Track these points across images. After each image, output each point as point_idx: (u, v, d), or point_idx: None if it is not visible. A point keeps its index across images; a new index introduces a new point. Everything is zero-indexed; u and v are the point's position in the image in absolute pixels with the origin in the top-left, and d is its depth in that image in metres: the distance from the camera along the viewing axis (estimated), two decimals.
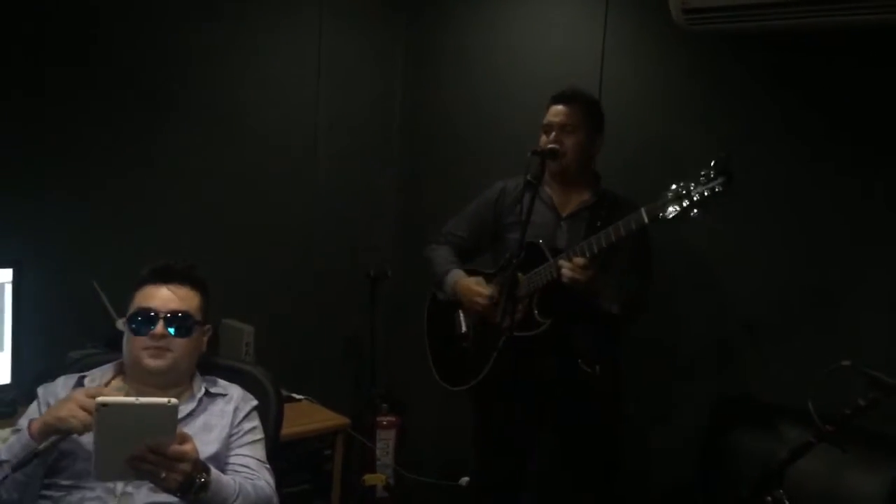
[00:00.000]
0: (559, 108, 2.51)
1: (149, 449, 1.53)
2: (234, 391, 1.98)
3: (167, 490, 1.60)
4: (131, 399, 1.57)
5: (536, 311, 2.43)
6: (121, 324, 1.97)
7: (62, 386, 1.89)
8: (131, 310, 1.89)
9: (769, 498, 1.61)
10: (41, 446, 1.63)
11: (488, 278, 2.61)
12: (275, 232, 3.35)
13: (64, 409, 1.63)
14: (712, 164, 2.08)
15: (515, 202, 2.60)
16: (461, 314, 2.68)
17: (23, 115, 2.64)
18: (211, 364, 2.06)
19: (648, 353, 2.76)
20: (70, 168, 2.75)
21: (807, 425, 1.66)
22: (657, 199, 2.14)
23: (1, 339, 2.40)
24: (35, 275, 2.50)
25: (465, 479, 3.31)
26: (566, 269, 2.28)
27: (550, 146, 2.47)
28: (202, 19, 3.03)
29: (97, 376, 1.92)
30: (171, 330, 1.86)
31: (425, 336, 2.79)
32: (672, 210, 2.11)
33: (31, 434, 1.66)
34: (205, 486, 1.62)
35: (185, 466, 1.58)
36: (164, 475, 1.56)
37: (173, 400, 1.55)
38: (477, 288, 2.56)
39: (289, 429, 2.59)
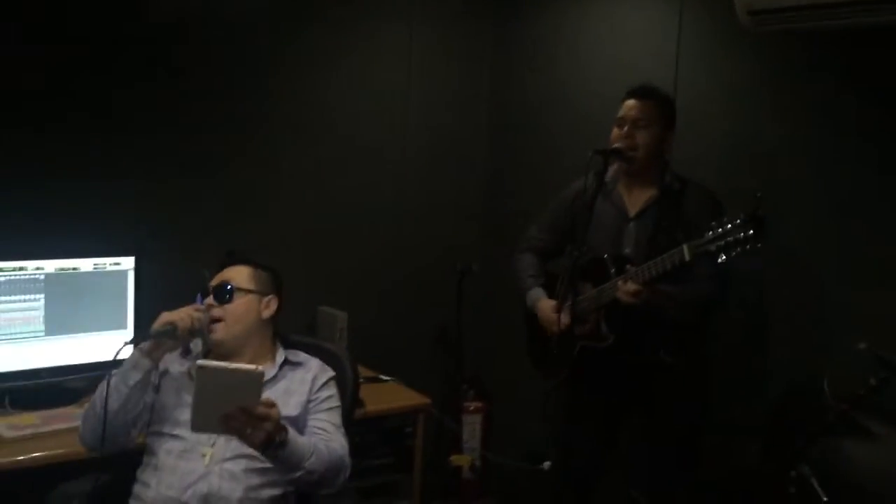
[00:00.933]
0: (633, 102, 2.57)
1: (238, 409, 1.77)
2: (313, 362, 2.22)
3: (251, 445, 1.84)
4: (224, 364, 1.83)
5: (604, 326, 2.53)
6: None
7: (170, 359, 2.16)
8: None
9: (794, 473, 1.70)
10: (153, 329, 1.95)
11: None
12: (369, 227, 3.61)
13: (175, 311, 1.99)
14: (746, 210, 2.13)
15: (590, 202, 2.64)
16: None
17: (144, 124, 2.99)
18: (295, 341, 2.32)
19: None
20: (186, 168, 3.09)
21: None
22: (701, 237, 2.21)
23: (125, 319, 2.75)
24: (155, 262, 2.83)
25: (547, 463, 3.44)
26: (621, 293, 2.38)
27: (614, 146, 2.52)
28: (297, 27, 3.33)
29: (199, 343, 2.19)
30: (217, 298, 2.12)
31: (525, 328, 2.90)
32: (712, 248, 2.18)
33: (139, 349, 1.99)
34: (283, 444, 1.85)
35: (268, 426, 1.80)
36: (249, 432, 1.80)
37: (260, 368, 1.80)
38: (552, 315, 2.62)
39: (373, 405, 2.86)
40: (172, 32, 3.01)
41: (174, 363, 2.16)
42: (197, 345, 2.19)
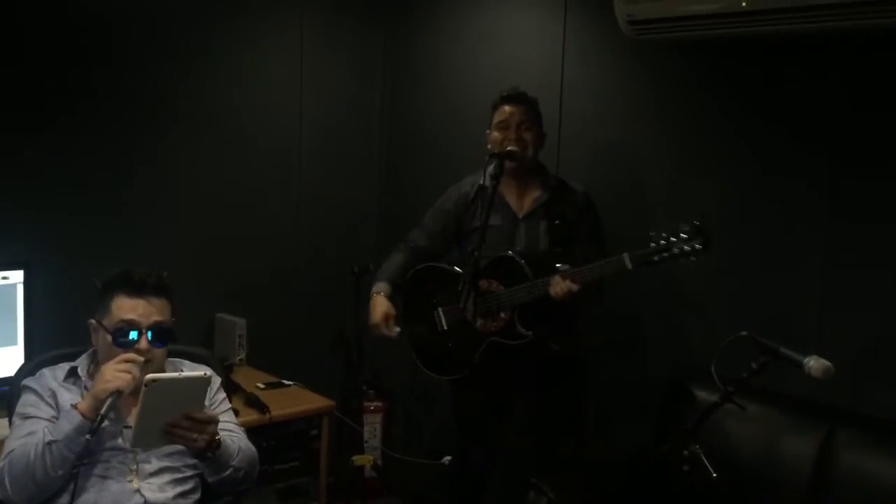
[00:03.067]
0: (513, 108, 2.68)
1: (183, 416, 1.79)
2: (203, 371, 2.21)
3: (194, 450, 1.88)
4: (176, 374, 1.85)
5: (520, 325, 2.61)
6: (94, 323, 2.09)
7: (50, 377, 2.05)
8: (112, 322, 2.01)
9: (686, 452, 1.84)
10: (103, 410, 1.81)
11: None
12: (266, 232, 3.60)
13: (108, 374, 1.86)
14: (691, 225, 2.24)
15: (473, 206, 2.77)
16: (441, 312, 2.82)
17: (28, 123, 2.87)
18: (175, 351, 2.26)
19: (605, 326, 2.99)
20: (73, 174, 2.98)
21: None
22: (642, 248, 2.32)
23: (15, 335, 2.64)
24: (44, 275, 2.73)
25: (447, 458, 3.52)
26: (560, 290, 2.44)
27: (509, 148, 2.61)
28: (191, 30, 3.29)
29: (84, 365, 2.11)
30: (155, 342, 2.01)
31: (403, 328, 2.92)
32: (655, 258, 2.29)
33: (81, 412, 1.86)
34: (219, 443, 1.91)
35: (213, 428, 1.85)
36: (195, 437, 1.82)
37: (208, 371, 1.83)
38: (381, 311, 2.79)
39: (278, 410, 2.87)
40: (61, 30, 2.91)
41: (61, 392, 2.04)
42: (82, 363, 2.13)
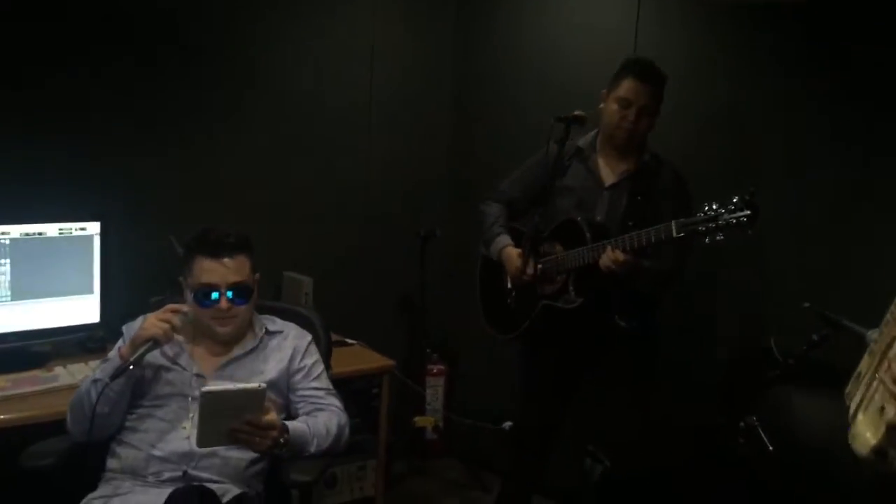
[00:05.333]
0: (645, 87, 2.50)
1: (245, 422, 1.85)
2: (290, 328, 2.27)
3: (258, 451, 1.95)
4: (230, 385, 1.90)
5: (572, 289, 2.56)
6: (182, 280, 2.17)
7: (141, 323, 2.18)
8: (194, 283, 2.08)
9: (742, 423, 1.80)
10: (132, 357, 1.94)
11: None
12: (335, 194, 3.64)
13: (148, 323, 1.97)
14: (741, 196, 2.15)
15: (565, 166, 2.68)
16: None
17: (112, 82, 2.97)
18: (268, 307, 2.37)
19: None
20: (154, 131, 3.08)
21: None
22: (690, 216, 2.23)
23: (91, 284, 2.76)
24: (121, 228, 2.83)
25: (508, 424, 3.55)
26: (606, 260, 2.39)
27: (576, 113, 2.49)
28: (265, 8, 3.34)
29: None
30: (235, 300, 2.09)
31: (477, 282, 2.97)
32: (701, 228, 2.19)
33: (120, 356, 1.98)
34: (286, 442, 1.96)
35: (274, 433, 1.91)
36: (257, 440, 1.89)
37: (262, 385, 1.88)
38: (518, 263, 2.64)
39: (340, 368, 2.90)
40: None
41: None
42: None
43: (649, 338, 2.69)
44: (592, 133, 2.68)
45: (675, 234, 2.26)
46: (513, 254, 2.73)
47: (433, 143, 3.98)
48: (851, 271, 2.48)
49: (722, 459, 2.00)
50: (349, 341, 3.24)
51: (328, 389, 2.22)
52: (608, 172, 2.66)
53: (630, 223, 2.51)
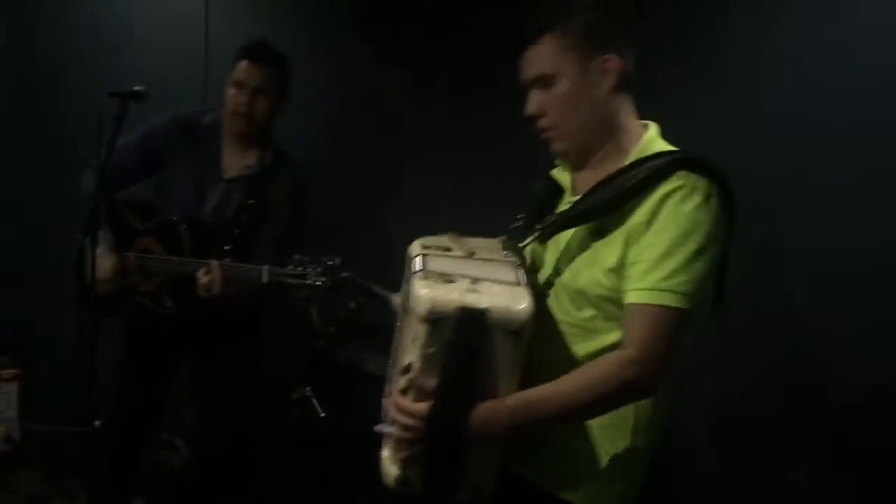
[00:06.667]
0: (258, 67, 2.39)
1: None
2: None
3: None
4: None
5: (167, 297, 2.40)
6: None
7: None
8: None
9: (294, 395, 1.86)
10: None
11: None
12: None
13: None
14: (325, 263, 2.12)
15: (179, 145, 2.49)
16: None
17: None
18: None
19: None
20: None
21: None
22: (284, 267, 2.18)
23: None
24: None
25: (97, 422, 3.31)
26: (201, 285, 2.26)
27: (136, 88, 2.21)
28: None
29: None
30: None
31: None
32: (289, 282, 2.15)
33: None
34: None
35: None
36: None
37: None
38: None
39: None
40: None
41: None
42: None
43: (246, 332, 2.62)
44: (218, 115, 2.51)
45: (264, 279, 2.19)
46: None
47: None
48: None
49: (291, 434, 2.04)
50: None
51: None
52: (230, 164, 2.51)
53: (236, 230, 2.43)
